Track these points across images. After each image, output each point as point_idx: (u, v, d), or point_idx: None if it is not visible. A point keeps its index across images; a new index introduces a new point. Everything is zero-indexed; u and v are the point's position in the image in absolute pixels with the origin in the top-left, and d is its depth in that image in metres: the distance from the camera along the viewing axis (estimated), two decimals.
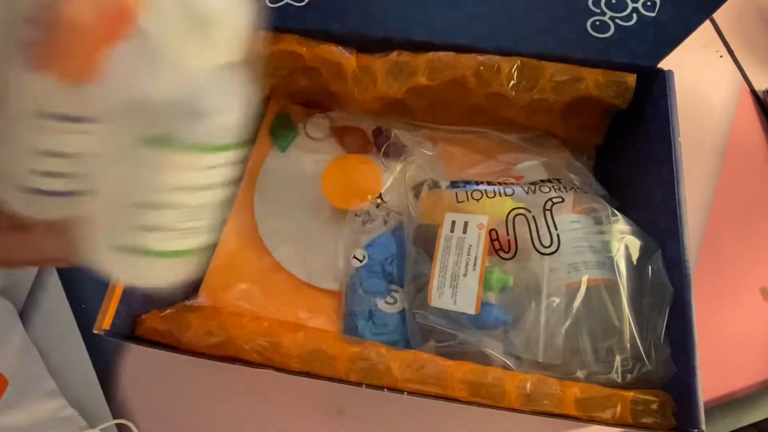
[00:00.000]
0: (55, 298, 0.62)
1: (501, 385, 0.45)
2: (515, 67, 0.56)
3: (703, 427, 0.42)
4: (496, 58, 0.56)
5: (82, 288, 0.63)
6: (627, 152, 0.62)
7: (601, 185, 0.61)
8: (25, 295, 0.62)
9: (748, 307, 0.63)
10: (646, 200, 0.56)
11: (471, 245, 0.51)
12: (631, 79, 0.57)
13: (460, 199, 0.55)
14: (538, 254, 0.50)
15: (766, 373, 0.59)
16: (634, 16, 0.59)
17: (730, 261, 0.65)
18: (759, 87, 0.74)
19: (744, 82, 0.75)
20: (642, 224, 0.56)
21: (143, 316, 0.49)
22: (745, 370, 0.59)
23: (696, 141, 0.70)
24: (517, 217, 0.52)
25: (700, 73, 0.75)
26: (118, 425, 0.56)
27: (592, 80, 0.56)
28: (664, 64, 0.59)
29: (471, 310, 0.49)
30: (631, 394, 0.45)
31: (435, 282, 0.50)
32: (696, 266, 0.62)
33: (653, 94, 0.58)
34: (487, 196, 0.55)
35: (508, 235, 0.52)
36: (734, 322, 0.61)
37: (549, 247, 0.50)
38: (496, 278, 0.50)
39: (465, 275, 0.50)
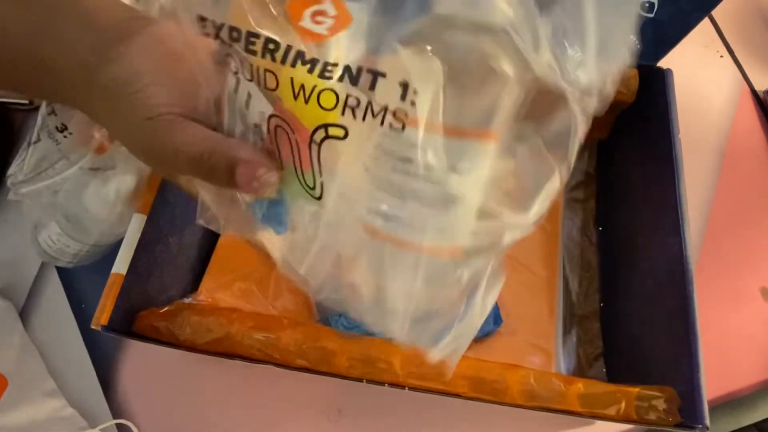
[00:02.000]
0: (55, 298, 0.62)
1: (503, 380, 0.45)
2: None
3: (708, 422, 0.42)
4: None
5: (82, 288, 0.63)
6: (627, 150, 0.62)
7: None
8: (25, 295, 0.62)
9: (748, 307, 0.62)
10: (646, 197, 0.56)
11: (252, 128, 0.32)
12: (633, 74, 0.57)
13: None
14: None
15: (767, 373, 0.59)
16: None
17: (730, 261, 0.65)
18: (759, 87, 0.75)
19: (744, 82, 0.75)
20: (643, 222, 0.56)
21: (142, 313, 0.49)
22: (746, 370, 0.59)
23: (696, 141, 0.70)
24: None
25: (700, 73, 0.75)
26: (118, 425, 0.56)
27: None
28: (663, 64, 0.59)
29: None
30: (635, 389, 0.45)
31: (225, 119, 0.34)
32: (696, 266, 0.62)
33: (653, 92, 0.58)
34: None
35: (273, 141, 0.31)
36: (734, 322, 0.61)
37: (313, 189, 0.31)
38: (285, 189, 0.33)
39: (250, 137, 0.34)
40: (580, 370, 0.57)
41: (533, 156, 0.30)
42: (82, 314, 0.61)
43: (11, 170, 0.57)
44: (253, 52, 0.28)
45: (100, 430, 0.55)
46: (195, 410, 0.57)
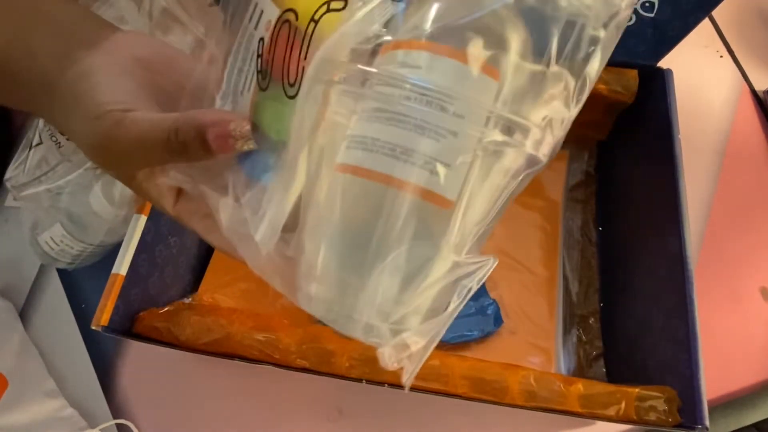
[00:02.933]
0: (55, 298, 0.62)
1: (503, 380, 0.45)
2: None
3: (707, 422, 0.42)
4: None
5: (82, 288, 0.63)
6: (627, 150, 0.62)
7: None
8: (25, 295, 0.62)
9: (748, 307, 0.62)
10: (646, 197, 0.56)
11: (253, 51, 0.31)
12: (633, 74, 0.57)
13: None
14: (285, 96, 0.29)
15: (767, 373, 0.59)
16: (633, 16, 0.59)
17: (730, 261, 0.65)
18: (759, 87, 0.75)
19: (744, 82, 0.75)
20: (643, 222, 0.56)
21: (142, 314, 0.49)
22: (746, 370, 0.59)
23: (696, 141, 0.70)
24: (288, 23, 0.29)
25: (700, 73, 0.75)
26: (118, 425, 0.56)
27: None
28: (663, 64, 0.59)
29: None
30: (635, 390, 0.45)
31: (222, 88, 0.33)
32: (696, 266, 0.62)
33: (653, 92, 0.58)
34: None
35: (271, 48, 0.30)
36: (734, 322, 0.61)
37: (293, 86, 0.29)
38: (267, 121, 0.30)
39: (242, 94, 0.32)
40: (580, 370, 0.57)
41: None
42: (82, 314, 0.61)
43: (10, 173, 0.57)
44: None
45: (100, 430, 0.55)
46: (195, 410, 0.57)
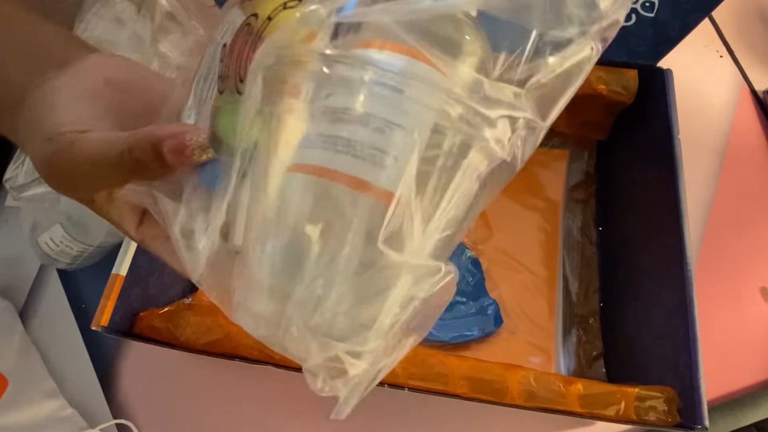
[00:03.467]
0: (55, 298, 0.62)
1: (503, 380, 0.45)
2: None
3: (707, 422, 0.42)
4: None
5: (82, 288, 0.63)
6: (627, 150, 0.62)
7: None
8: (25, 295, 0.62)
9: (748, 307, 0.62)
10: (646, 197, 0.56)
11: (217, 58, 0.30)
12: (633, 74, 0.57)
13: None
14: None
15: (767, 373, 0.59)
16: (633, 16, 0.59)
17: (730, 261, 0.64)
18: (759, 87, 0.75)
19: (744, 82, 0.75)
20: (643, 222, 0.56)
21: (142, 314, 0.49)
22: (745, 370, 0.59)
23: (696, 141, 0.70)
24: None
25: (700, 73, 0.75)
26: (118, 425, 0.56)
27: (594, 76, 0.56)
28: (663, 64, 0.59)
29: None
30: (635, 390, 0.45)
31: (188, 102, 0.31)
32: (696, 266, 0.62)
33: (653, 92, 0.58)
34: None
35: (230, 51, 0.29)
36: (734, 322, 0.61)
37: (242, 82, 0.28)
38: (223, 124, 0.28)
39: (204, 102, 0.30)
40: (580, 370, 0.57)
41: None
42: (82, 314, 0.62)
43: (10, 173, 0.57)
44: None
45: (100, 430, 0.55)
46: (195, 410, 0.57)
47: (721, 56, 0.77)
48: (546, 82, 0.25)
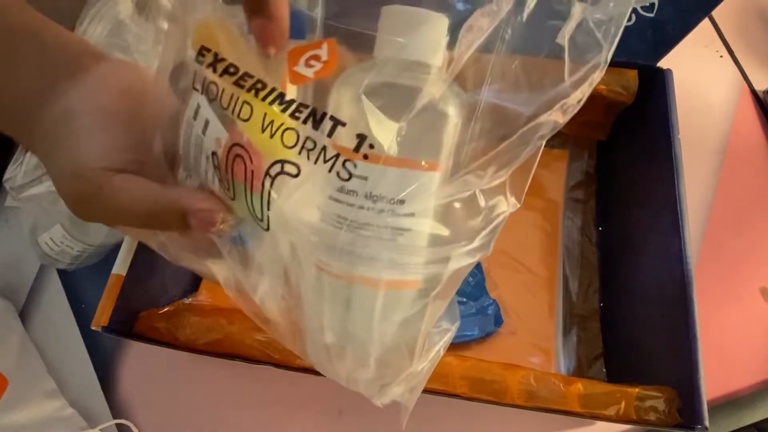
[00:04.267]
0: (55, 298, 0.62)
1: (503, 380, 0.45)
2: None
3: (707, 422, 0.42)
4: None
5: (82, 288, 0.63)
6: (627, 150, 0.62)
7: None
8: (25, 295, 0.62)
9: (748, 307, 0.62)
10: (646, 197, 0.56)
11: (207, 157, 0.30)
12: (633, 74, 0.57)
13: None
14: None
15: (767, 373, 0.59)
16: (633, 16, 0.59)
17: (730, 261, 0.64)
18: (759, 87, 0.75)
19: (744, 82, 0.75)
20: (643, 222, 0.56)
21: (142, 314, 0.49)
22: (745, 370, 0.59)
23: (696, 140, 0.70)
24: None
25: (700, 73, 0.75)
26: (118, 425, 0.56)
27: None
28: (663, 64, 0.59)
29: None
30: (635, 390, 0.45)
31: (180, 162, 0.32)
32: (696, 266, 0.62)
33: (653, 92, 0.58)
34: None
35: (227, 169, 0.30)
36: (734, 322, 0.61)
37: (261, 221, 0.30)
38: (242, 214, 0.31)
39: (205, 174, 0.31)
40: (580, 370, 0.57)
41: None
42: (82, 314, 0.61)
43: (9, 173, 0.57)
44: (242, 86, 0.29)
45: (100, 430, 0.55)
46: (195, 410, 0.57)
47: (721, 56, 0.77)
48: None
